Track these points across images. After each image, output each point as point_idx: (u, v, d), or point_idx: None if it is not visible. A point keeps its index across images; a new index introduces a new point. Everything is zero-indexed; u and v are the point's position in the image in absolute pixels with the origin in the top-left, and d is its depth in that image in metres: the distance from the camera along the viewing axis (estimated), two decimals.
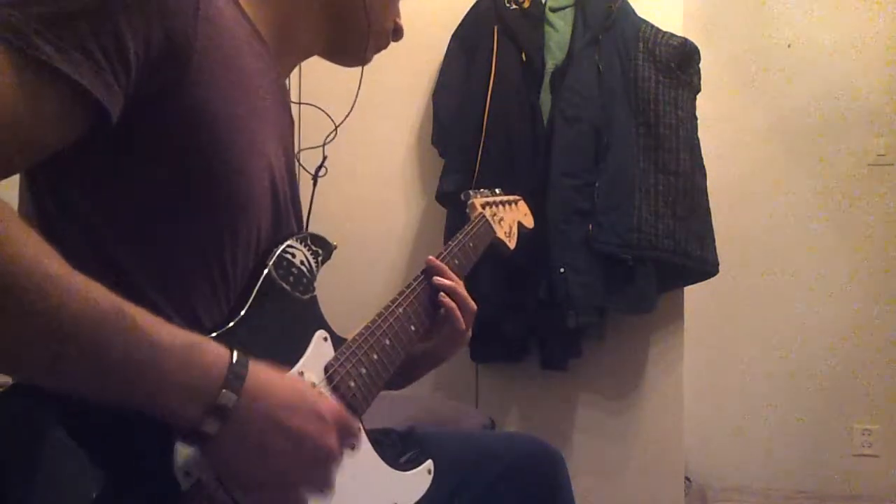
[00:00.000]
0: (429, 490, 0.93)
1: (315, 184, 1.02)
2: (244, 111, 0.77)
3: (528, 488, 1.05)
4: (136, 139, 0.70)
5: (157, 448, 0.64)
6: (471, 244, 1.11)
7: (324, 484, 0.72)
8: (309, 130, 1.06)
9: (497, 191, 1.29)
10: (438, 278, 1.01)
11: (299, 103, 1.04)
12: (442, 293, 1.00)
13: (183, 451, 0.65)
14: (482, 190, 1.25)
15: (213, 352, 0.65)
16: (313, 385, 0.79)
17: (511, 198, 1.31)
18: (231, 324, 0.74)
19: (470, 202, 1.20)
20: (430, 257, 1.04)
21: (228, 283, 0.77)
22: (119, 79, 0.65)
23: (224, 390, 0.63)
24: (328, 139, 1.03)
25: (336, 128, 1.04)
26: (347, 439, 0.74)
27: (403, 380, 1.08)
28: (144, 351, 0.61)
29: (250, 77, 0.79)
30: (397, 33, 1.02)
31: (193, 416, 0.63)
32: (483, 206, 1.20)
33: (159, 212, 0.72)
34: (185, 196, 0.73)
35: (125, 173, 0.71)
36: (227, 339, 0.72)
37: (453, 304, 1.00)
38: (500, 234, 1.22)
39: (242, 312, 0.76)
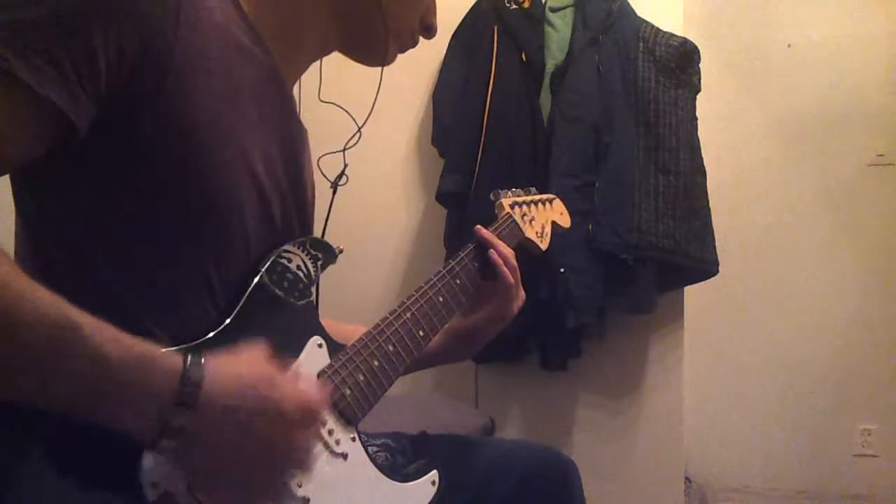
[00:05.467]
0: (434, 501, 0.90)
1: (334, 192, 0.99)
2: (228, 117, 0.74)
3: (541, 500, 1.04)
4: (113, 148, 0.68)
5: (122, 459, 0.63)
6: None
7: (304, 468, 0.72)
8: (329, 134, 1.03)
9: (532, 189, 1.26)
10: (488, 240, 1.04)
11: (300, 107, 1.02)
12: (491, 251, 1.03)
13: (149, 462, 0.63)
14: (514, 189, 1.21)
15: (166, 364, 0.62)
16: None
17: (545, 196, 1.28)
18: (211, 334, 0.72)
19: (497, 202, 1.17)
20: (479, 227, 1.06)
21: (215, 292, 0.75)
22: (87, 89, 0.63)
23: (178, 407, 0.61)
24: (349, 143, 0.99)
25: (359, 129, 0.99)
26: (315, 422, 0.72)
27: (469, 349, 1.09)
28: (95, 367, 0.59)
29: (240, 83, 0.77)
30: (428, 31, 0.96)
31: (148, 432, 0.61)
32: (511, 206, 1.17)
33: (139, 221, 0.71)
34: (163, 205, 0.71)
35: (104, 183, 0.69)
36: (207, 350, 0.71)
37: (500, 260, 1.03)
38: (530, 234, 1.18)
39: (228, 321, 0.74)
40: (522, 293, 1.08)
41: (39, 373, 0.59)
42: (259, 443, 0.65)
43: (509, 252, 1.06)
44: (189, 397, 0.62)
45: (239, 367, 0.67)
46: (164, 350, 0.64)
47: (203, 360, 0.64)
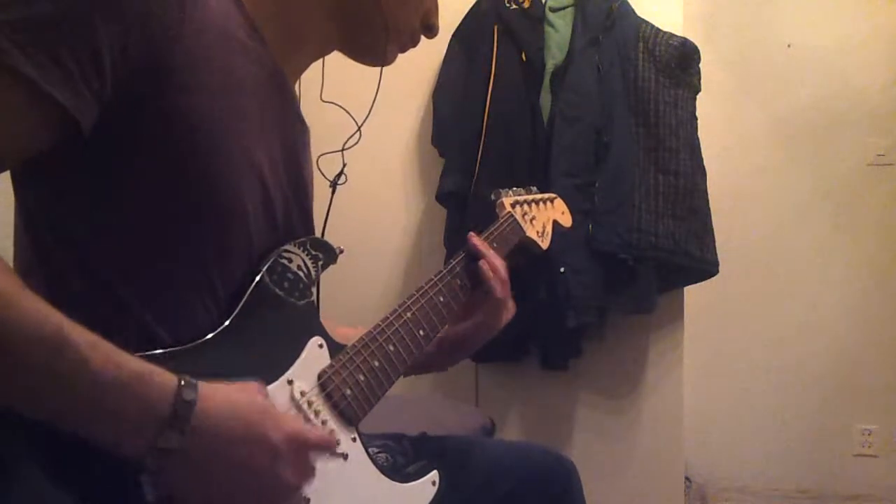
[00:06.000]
0: (434, 502, 0.90)
1: (333, 192, 0.99)
2: (231, 116, 0.74)
3: (541, 502, 1.04)
4: (116, 146, 0.68)
5: (122, 474, 0.62)
6: (494, 245, 1.09)
7: (291, 500, 0.70)
8: (329, 134, 1.03)
9: (533, 188, 1.26)
10: (479, 250, 1.02)
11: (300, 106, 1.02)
12: (482, 261, 1.01)
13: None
14: (514, 188, 1.21)
15: (158, 385, 0.62)
16: (302, 394, 0.77)
17: (546, 196, 1.28)
18: (210, 335, 0.72)
19: (499, 201, 1.17)
20: (472, 234, 1.04)
21: (217, 291, 0.75)
22: (91, 86, 0.64)
23: (167, 430, 0.61)
24: (348, 143, 0.99)
25: (359, 128, 0.99)
26: (315, 455, 0.71)
27: (452, 359, 1.07)
28: (89, 386, 0.59)
29: (243, 81, 0.77)
30: (430, 31, 0.96)
31: (136, 453, 0.61)
32: (512, 206, 1.17)
33: (141, 220, 0.71)
34: (165, 204, 0.71)
35: (106, 181, 0.69)
36: (208, 350, 0.71)
37: (490, 274, 1.01)
38: (531, 233, 1.19)
39: (227, 322, 0.74)
40: (512, 305, 1.06)
41: (34, 389, 0.59)
42: (243, 471, 0.65)
43: (500, 263, 1.04)
44: (181, 419, 0.62)
45: (231, 394, 0.67)
46: (159, 370, 0.63)
47: (197, 383, 0.64)
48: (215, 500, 0.65)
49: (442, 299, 0.97)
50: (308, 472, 0.72)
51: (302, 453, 0.70)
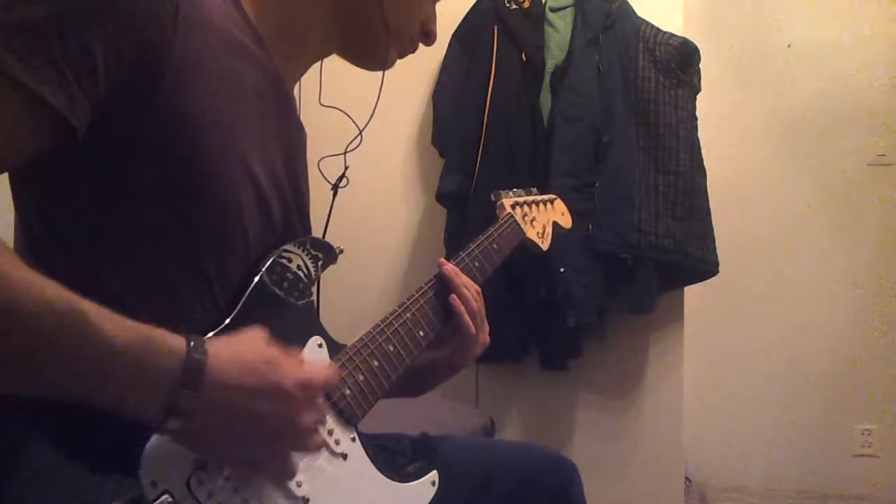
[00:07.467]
0: (434, 502, 0.90)
1: (335, 194, 0.99)
2: (226, 117, 0.74)
3: (541, 502, 1.04)
4: (112, 148, 0.68)
5: (122, 458, 0.63)
6: (494, 246, 1.08)
7: (308, 446, 0.72)
8: (330, 137, 1.03)
9: (533, 190, 1.26)
10: (450, 281, 0.98)
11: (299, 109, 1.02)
12: (453, 296, 0.97)
13: (149, 462, 0.64)
14: (515, 189, 1.21)
15: (168, 346, 0.62)
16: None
17: (546, 197, 1.28)
18: (211, 334, 0.72)
19: (499, 202, 1.16)
20: (442, 260, 1.00)
21: (215, 291, 0.75)
22: (86, 90, 0.64)
23: (182, 387, 0.61)
24: (350, 146, 0.99)
25: (360, 132, 0.99)
26: (316, 400, 0.72)
27: (419, 388, 1.05)
28: (98, 352, 0.59)
29: (240, 82, 0.77)
30: (428, 37, 0.96)
31: (153, 414, 0.61)
32: (513, 207, 1.17)
33: (138, 221, 0.71)
34: (162, 205, 0.71)
35: (103, 183, 0.70)
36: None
37: (462, 309, 0.97)
38: (531, 234, 1.19)
39: (227, 321, 0.74)
40: (485, 338, 1.01)
41: (47, 360, 0.59)
42: (261, 421, 0.66)
43: (474, 293, 1.00)
44: (193, 377, 0.62)
45: (239, 348, 0.68)
46: (167, 333, 0.64)
47: (205, 342, 0.65)
48: (238, 452, 0.67)
49: (442, 300, 0.97)
50: (320, 414, 0.74)
51: (313, 396, 0.71)
